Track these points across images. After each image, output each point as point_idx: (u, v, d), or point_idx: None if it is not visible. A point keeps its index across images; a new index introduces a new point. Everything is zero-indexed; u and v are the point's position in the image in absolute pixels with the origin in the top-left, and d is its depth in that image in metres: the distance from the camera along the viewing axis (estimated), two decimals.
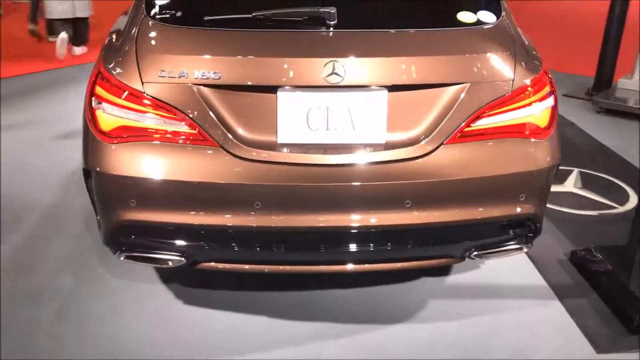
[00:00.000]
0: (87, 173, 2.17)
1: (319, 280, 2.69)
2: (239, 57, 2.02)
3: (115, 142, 2.05)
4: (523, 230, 2.27)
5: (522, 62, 2.15)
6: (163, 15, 2.15)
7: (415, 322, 2.48)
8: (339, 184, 2.04)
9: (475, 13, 2.22)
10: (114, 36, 2.33)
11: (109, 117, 2.05)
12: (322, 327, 2.43)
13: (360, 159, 2.04)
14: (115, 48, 2.20)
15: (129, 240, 2.17)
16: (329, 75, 1.98)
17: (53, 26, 6.79)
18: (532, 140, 2.16)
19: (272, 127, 2.04)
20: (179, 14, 2.16)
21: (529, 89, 2.13)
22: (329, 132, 2.05)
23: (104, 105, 2.06)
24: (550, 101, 2.20)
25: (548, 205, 3.40)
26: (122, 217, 2.09)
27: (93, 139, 2.09)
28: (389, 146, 2.06)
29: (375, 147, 2.06)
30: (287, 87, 2.01)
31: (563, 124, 4.90)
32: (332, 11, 2.06)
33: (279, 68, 2.01)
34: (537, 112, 2.16)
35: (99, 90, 2.08)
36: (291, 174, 2.02)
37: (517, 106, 2.13)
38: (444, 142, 2.07)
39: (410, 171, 2.05)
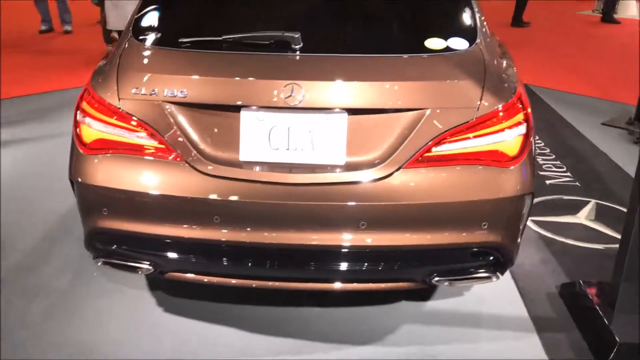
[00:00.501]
0: (71, 182, 2.32)
1: (295, 298, 2.73)
2: (204, 77, 2.13)
3: (93, 154, 2.19)
4: (489, 260, 2.23)
5: (491, 90, 2.14)
6: (145, 36, 2.29)
7: (385, 345, 2.47)
8: (297, 203, 2.08)
9: (445, 39, 2.23)
10: (107, 54, 2.49)
11: (90, 130, 2.20)
12: (290, 343, 2.47)
13: (319, 179, 2.08)
14: (103, 66, 2.36)
15: (104, 247, 2.30)
16: (288, 97, 2.05)
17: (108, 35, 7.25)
18: (498, 168, 2.13)
19: (235, 145, 2.12)
20: (158, 35, 2.31)
21: (498, 115, 2.12)
22: (289, 152, 2.11)
23: (87, 119, 2.21)
24: (521, 129, 2.16)
25: (552, 236, 3.34)
26: (96, 225, 2.23)
27: (76, 150, 2.25)
28: (347, 168, 2.09)
29: (334, 168, 2.10)
30: (250, 107, 2.09)
31: (594, 154, 4.73)
32: (296, 35, 2.13)
33: (242, 88, 2.10)
34: (506, 139, 2.13)
35: (84, 105, 2.23)
36: (251, 191, 2.09)
37: (482, 133, 2.11)
38: (403, 166, 2.08)
39: (366, 193, 2.08)
